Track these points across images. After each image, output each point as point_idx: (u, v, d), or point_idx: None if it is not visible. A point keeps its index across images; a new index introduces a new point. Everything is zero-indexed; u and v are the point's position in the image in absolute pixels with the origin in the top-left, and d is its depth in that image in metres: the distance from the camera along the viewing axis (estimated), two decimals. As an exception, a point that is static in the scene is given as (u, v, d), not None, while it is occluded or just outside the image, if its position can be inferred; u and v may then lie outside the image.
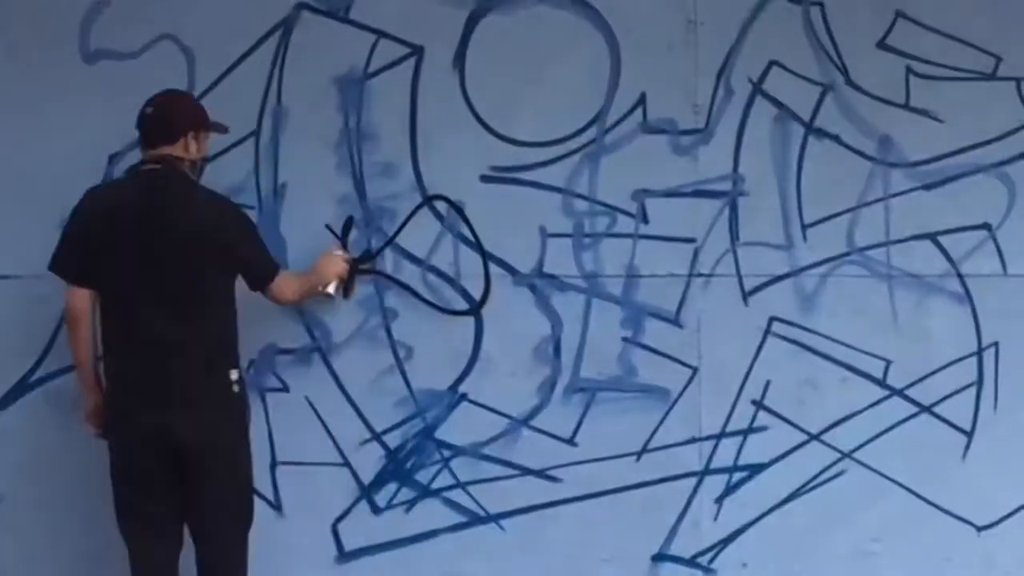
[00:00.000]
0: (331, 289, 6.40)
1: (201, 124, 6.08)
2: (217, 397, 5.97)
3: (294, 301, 6.32)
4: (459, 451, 6.55)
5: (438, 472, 6.56)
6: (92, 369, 6.07)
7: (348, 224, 6.49)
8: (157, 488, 5.94)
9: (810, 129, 6.54)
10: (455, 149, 6.54)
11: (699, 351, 6.55)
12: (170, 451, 5.90)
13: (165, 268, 5.88)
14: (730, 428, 6.56)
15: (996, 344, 6.55)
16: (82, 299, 5.99)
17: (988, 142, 6.55)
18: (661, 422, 6.55)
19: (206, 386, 5.93)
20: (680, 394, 6.55)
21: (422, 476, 6.58)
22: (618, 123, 6.53)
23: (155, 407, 5.88)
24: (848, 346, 6.55)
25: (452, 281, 6.56)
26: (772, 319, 6.56)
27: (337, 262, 6.41)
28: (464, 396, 6.54)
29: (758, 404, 6.56)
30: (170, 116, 6.01)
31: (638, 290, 6.56)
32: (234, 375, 6.00)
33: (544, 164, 6.53)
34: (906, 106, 6.55)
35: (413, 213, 6.54)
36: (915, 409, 6.56)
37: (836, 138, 6.54)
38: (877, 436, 6.55)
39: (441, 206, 6.54)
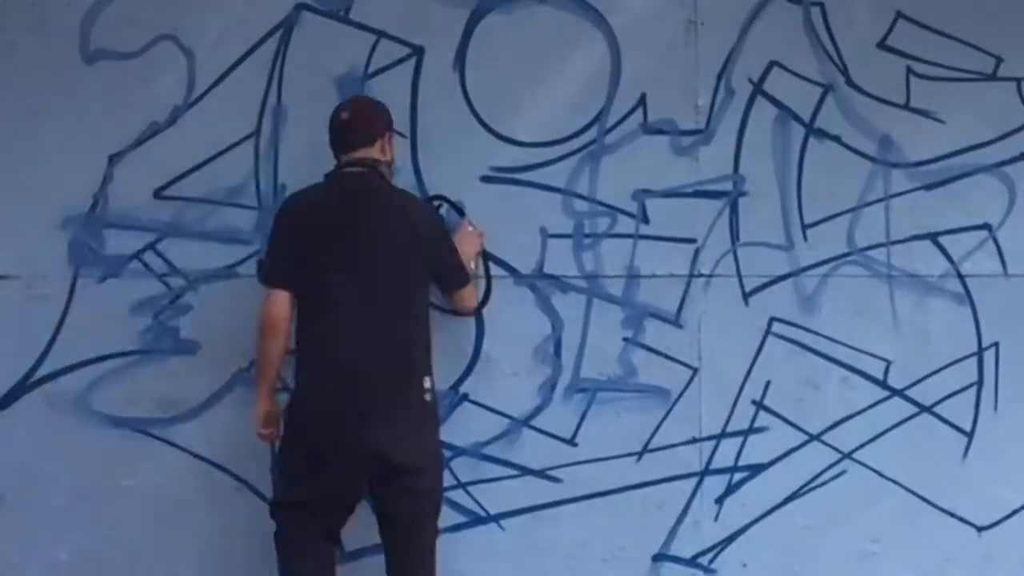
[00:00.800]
0: (473, 266, 6.42)
1: (391, 127, 6.17)
2: (415, 408, 5.95)
3: (475, 307, 6.41)
4: (459, 451, 6.54)
5: (438, 472, 6.56)
6: (275, 376, 6.07)
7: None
8: (337, 500, 5.94)
9: (810, 129, 6.54)
10: (455, 149, 6.54)
11: (699, 351, 6.55)
12: (364, 463, 5.87)
13: (372, 271, 5.90)
14: (730, 428, 6.56)
15: (996, 344, 6.55)
16: (281, 306, 5.99)
17: (988, 142, 6.55)
18: (661, 422, 6.55)
19: (405, 396, 5.92)
20: (680, 394, 6.55)
21: (422, 476, 6.58)
22: (618, 123, 6.53)
23: (353, 416, 5.84)
24: (848, 346, 6.55)
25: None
26: (772, 319, 6.56)
27: (473, 238, 6.43)
28: (465, 396, 6.54)
29: (758, 404, 6.56)
30: (369, 118, 6.09)
31: (638, 290, 6.56)
32: (427, 383, 5.99)
33: (544, 164, 6.53)
34: (906, 106, 6.55)
35: (413, 213, 6.54)
36: (915, 409, 6.56)
37: (836, 138, 6.54)
38: (877, 436, 6.55)
39: (441, 206, 6.53)
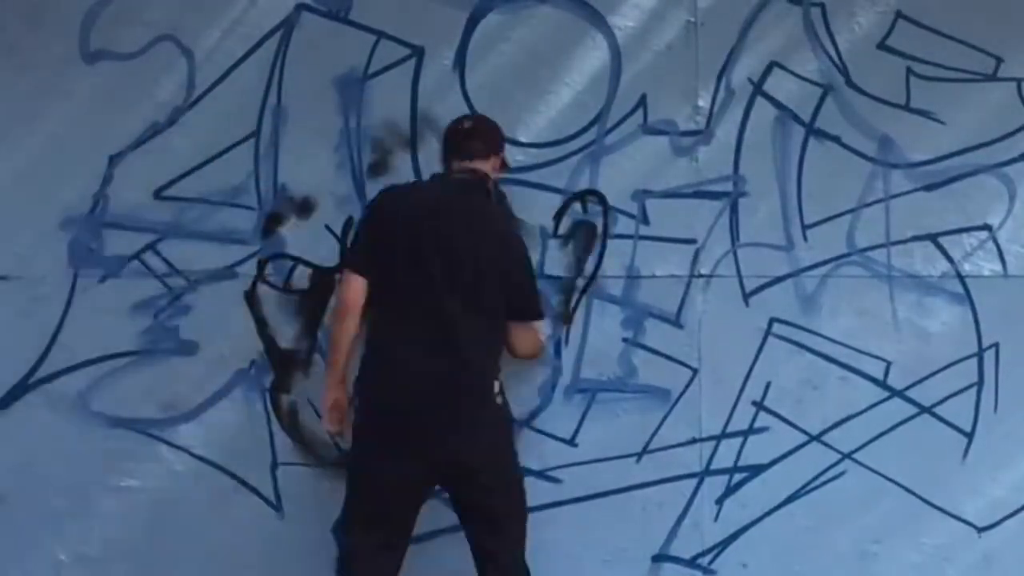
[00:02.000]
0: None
1: (503, 148, 6.21)
2: (488, 410, 5.94)
3: (528, 355, 6.26)
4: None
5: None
6: (345, 364, 6.01)
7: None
8: (404, 497, 5.94)
9: (810, 130, 6.54)
10: (455, 149, 6.55)
11: (700, 352, 6.55)
12: (435, 463, 5.89)
13: (458, 270, 5.89)
14: (730, 429, 6.56)
15: (996, 345, 6.55)
16: (357, 291, 5.95)
17: (988, 143, 6.55)
18: (662, 423, 6.55)
19: (480, 399, 5.91)
20: (681, 395, 6.55)
21: (422, 476, 6.58)
22: (619, 124, 6.53)
23: (424, 415, 5.84)
24: (848, 347, 6.55)
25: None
26: (772, 320, 6.56)
27: None
28: (465, 396, 6.54)
29: (758, 405, 6.56)
30: (489, 132, 6.14)
31: (639, 291, 6.56)
32: (496, 387, 5.97)
33: (545, 165, 6.53)
34: (906, 107, 6.55)
35: (413, 213, 6.54)
36: (915, 410, 6.56)
37: (836, 139, 6.54)
38: (877, 437, 6.55)
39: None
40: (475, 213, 6.01)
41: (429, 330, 5.87)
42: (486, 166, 6.09)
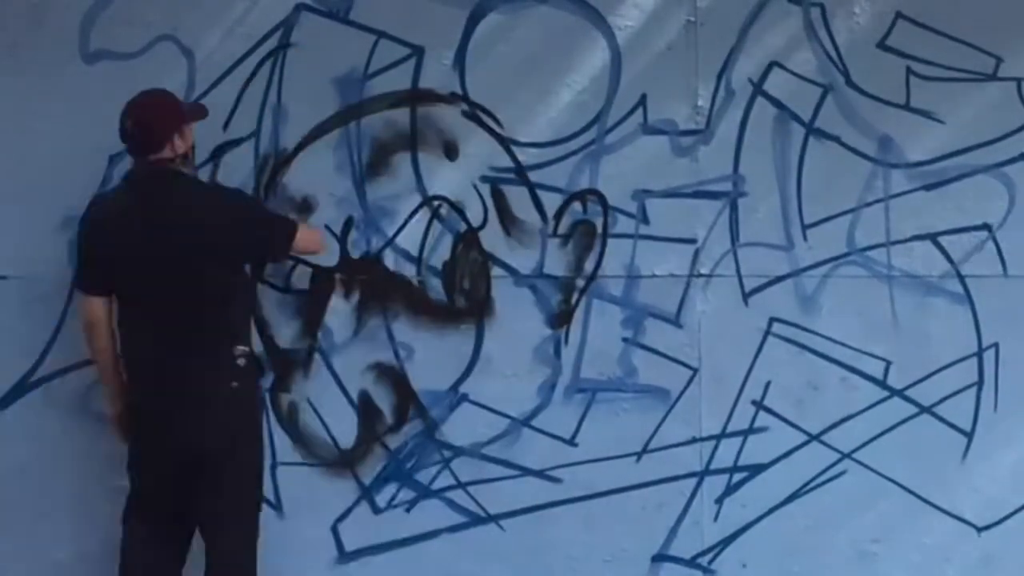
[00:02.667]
0: None
1: (181, 121, 6.08)
2: (224, 396, 5.98)
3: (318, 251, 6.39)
4: (459, 451, 6.55)
5: (438, 472, 6.55)
6: (114, 376, 6.14)
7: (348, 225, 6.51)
8: (167, 492, 6.02)
9: (810, 130, 6.54)
10: (455, 149, 6.53)
11: (699, 352, 6.55)
12: (182, 454, 5.95)
13: (167, 271, 5.91)
14: (730, 429, 6.56)
15: (996, 345, 6.56)
16: (96, 308, 6.10)
17: (988, 142, 6.56)
18: (661, 423, 6.55)
19: (213, 385, 5.97)
20: (680, 395, 6.55)
21: (422, 476, 6.58)
22: (618, 123, 6.53)
23: (167, 410, 5.95)
24: (848, 347, 6.56)
25: (452, 281, 6.55)
26: (772, 320, 6.56)
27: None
28: (465, 396, 6.54)
29: (758, 405, 6.57)
30: (152, 126, 6.00)
31: (638, 290, 6.56)
32: (241, 362, 6.00)
33: (545, 165, 6.53)
34: (906, 106, 6.55)
35: (413, 213, 6.54)
36: (915, 410, 6.56)
37: (836, 138, 6.54)
38: (877, 437, 6.56)
39: (441, 206, 6.53)
40: (165, 209, 5.96)
41: (155, 328, 5.94)
42: (166, 153, 6.00)
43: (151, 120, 6.02)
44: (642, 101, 6.54)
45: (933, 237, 6.57)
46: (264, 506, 6.41)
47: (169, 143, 6.01)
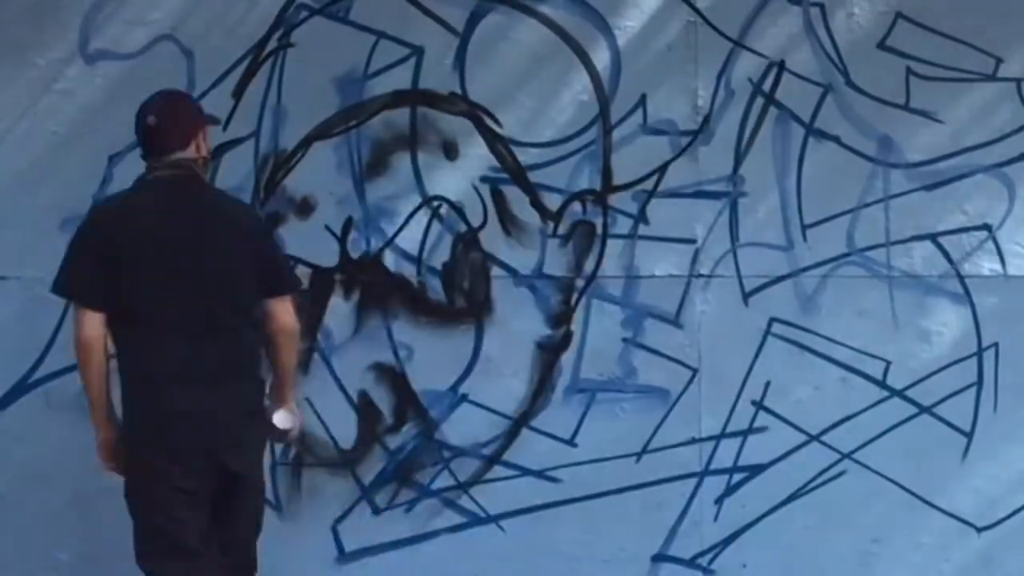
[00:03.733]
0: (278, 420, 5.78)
1: (205, 121, 5.75)
2: (250, 414, 5.62)
3: (292, 329, 5.69)
4: (459, 451, 6.55)
5: (438, 472, 6.55)
6: (107, 396, 5.57)
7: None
8: (197, 513, 5.53)
9: (810, 130, 6.54)
10: (455, 149, 6.54)
11: (699, 352, 6.56)
12: (211, 473, 5.51)
13: (198, 276, 5.48)
14: (730, 429, 6.56)
15: (996, 345, 6.56)
16: (97, 326, 5.47)
17: (988, 143, 6.56)
18: (661, 423, 6.55)
19: (239, 403, 5.55)
20: (680, 395, 6.55)
21: (422, 476, 6.58)
22: (619, 124, 6.53)
23: (193, 429, 5.47)
24: (848, 347, 6.56)
25: (452, 281, 6.56)
26: (772, 320, 6.56)
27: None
28: (464, 397, 6.54)
29: (758, 405, 6.57)
30: (179, 121, 5.61)
31: (638, 291, 6.56)
32: (267, 387, 5.66)
33: (545, 165, 6.53)
34: (906, 107, 6.55)
35: (413, 213, 6.55)
36: (915, 410, 6.56)
37: (836, 139, 6.54)
38: (877, 437, 6.56)
39: (441, 206, 6.54)
40: (197, 214, 5.54)
41: (185, 346, 5.45)
42: (191, 152, 5.57)
43: (176, 116, 5.64)
44: (642, 101, 6.54)
45: (933, 237, 6.57)
46: (264, 506, 6.43)
47: (195, 141, 5.61)
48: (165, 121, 5.58)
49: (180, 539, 5.50)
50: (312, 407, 6.53)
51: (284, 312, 5.64)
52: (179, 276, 5.47)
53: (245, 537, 5.72)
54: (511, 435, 6.56)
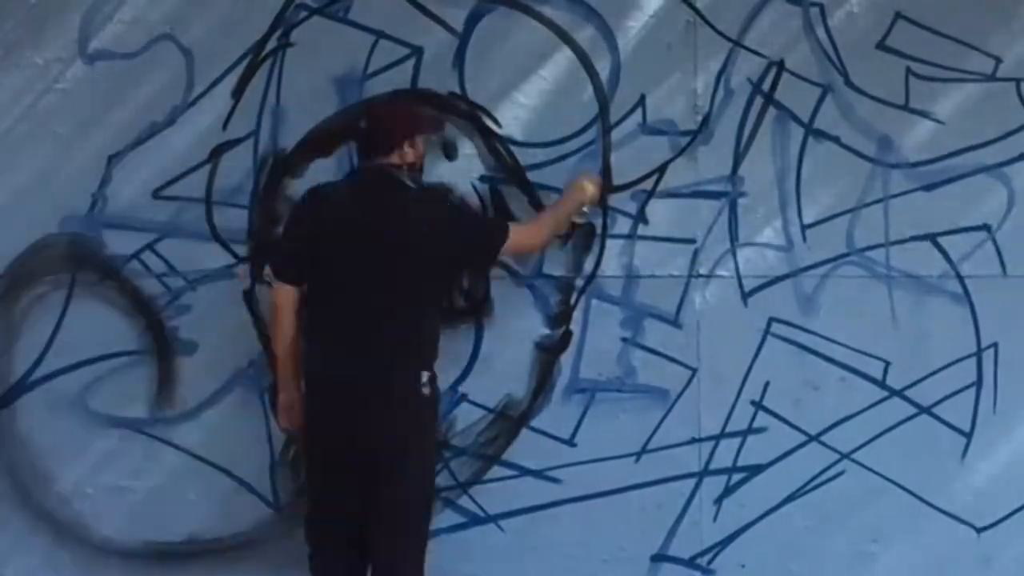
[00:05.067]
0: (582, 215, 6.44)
1: (415, 131, 6.12)
2: (408, 400, 5.92)
3: (543, 245, 6.40)
4: (459, 451, 6.55)
5: (438, 472, 6.54)
6: (291, 364, 6.08)
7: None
8: (346, 490, 5.92)
9: (810, 130, 6.53)
10: (454, 149, 6.54)
11: (698, 352, 6.55)
12: (358, 453, 5.87)
13: (381, 264, 5.89)
14: (729, 429, 6.56)
15: (995, 345, 6.55)
16: (285, 294, 6.03)
17: (988, 143, 6.55)
18: (660, 423, 6.55)
19: (402, 388, 5.90)
20: (679, 395, 6.55)
21: (422, 476, 6.58)
22: (618, 124, 6.53)
23: (347, 407, 5.87)
24: (847, 347, 6.55)
25: (452, 281, 6.57)
26: (771, 320, 6.55)
27: (588, 186, 6.40)
28: (464, 396, 6.54)
29: (757, 405, 6.56)
30: (385, 129, 6.07)
31: (638, 291, 6.56)
32: (424, 377, 5.93)
33: (544, 165, 6.53)
34: (906, 107, 6.54)
35: (413, 213, 6.55)
36: (914, 410, 6.55)
37: (836, 139, 6.54)
38: (876, 437, 6.55)
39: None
40: (380, 213, 5.95)
41: (354, 328, 5.90)
42: (393, 158, 6.03)
43: (383, 122, 6.12)
44: (641, 101, 6.54)
45: (932, 237, 6.56)
46: (264, 506, 6.44)
47: (398, 149, 6.03)
48: (370, 129, 6.10)
49: (338, 519, 5.93)
50: (312, 407, 6.54)
51: (518, 254, 6.36)
52: (358, 266, 5.89)
53: (392, 536, 5.95)
54: (510, 435, 6.56)
